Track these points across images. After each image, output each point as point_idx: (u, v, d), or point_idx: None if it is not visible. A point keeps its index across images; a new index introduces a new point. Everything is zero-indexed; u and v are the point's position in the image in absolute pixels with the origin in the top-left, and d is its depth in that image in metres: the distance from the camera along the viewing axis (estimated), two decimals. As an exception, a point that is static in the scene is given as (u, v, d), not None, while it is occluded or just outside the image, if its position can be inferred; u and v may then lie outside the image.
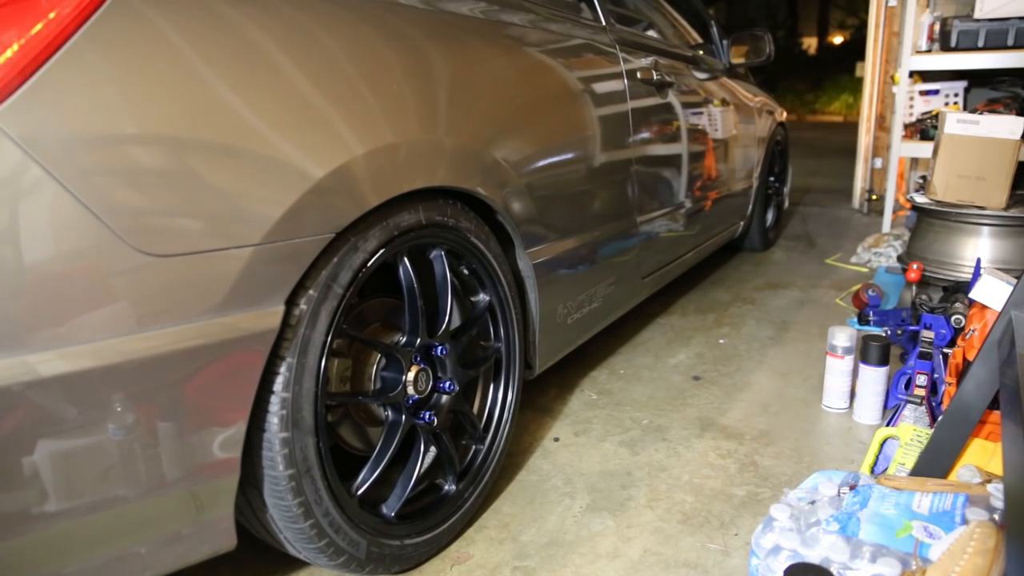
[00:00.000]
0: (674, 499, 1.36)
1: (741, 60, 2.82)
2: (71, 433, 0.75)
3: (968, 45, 3.12)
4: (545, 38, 1.54)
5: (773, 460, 1.50)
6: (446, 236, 1.20)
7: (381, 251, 1.06)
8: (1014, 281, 1.42)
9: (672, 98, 2.11)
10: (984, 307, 1.48)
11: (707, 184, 2.46)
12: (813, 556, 0.94)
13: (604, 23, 1.87)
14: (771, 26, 20.14)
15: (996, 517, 0.93)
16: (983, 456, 1.18)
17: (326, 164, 0.93)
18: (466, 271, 1.30)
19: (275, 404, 0.94)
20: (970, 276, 2.02)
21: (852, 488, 1.06)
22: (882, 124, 4.42)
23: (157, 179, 0.79)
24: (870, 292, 2.33)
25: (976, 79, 3.53)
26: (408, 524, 1.16)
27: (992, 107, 3.08)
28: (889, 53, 4.31)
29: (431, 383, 1.21)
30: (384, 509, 1.15)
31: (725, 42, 2.82)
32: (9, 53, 0.68)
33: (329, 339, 0.99)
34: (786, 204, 3.87)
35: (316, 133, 0.94)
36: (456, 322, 1.31)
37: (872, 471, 1.36)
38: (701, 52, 2.60)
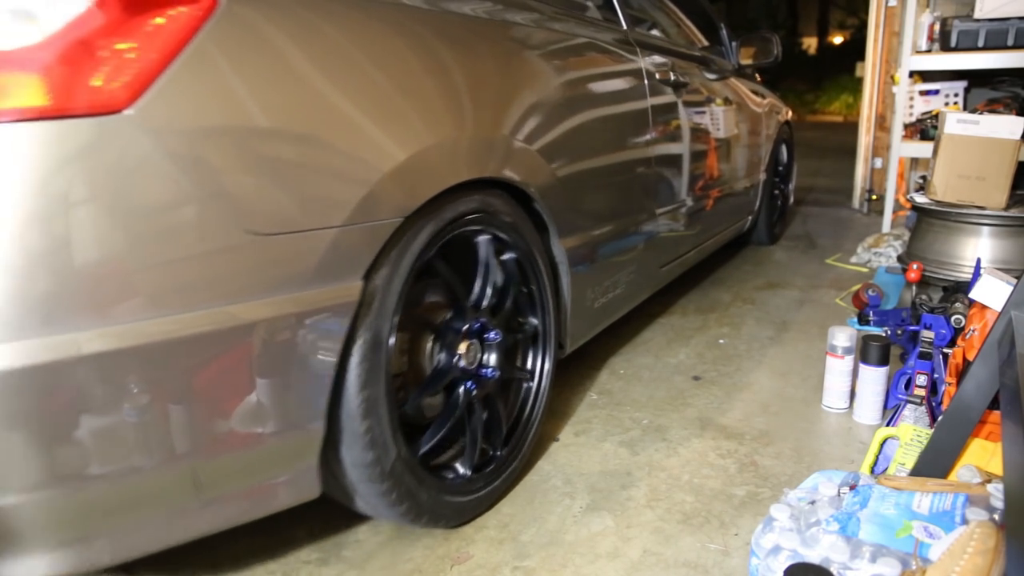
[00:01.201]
0: (674, 499, 1.36)
1: (749, 61, 2.91)
2: (206, 382, 0.89)
3: (968, 45, 3.12)
4: (577, 44, 1.67)
5: (773, 460, 1.50)
6: (492, 222, 1.32)
7: (439, 235, 1.18)
8: (1014, 281, 1.42)
9: (687, 98, 2.21)
10: (984, 307, 1.48)
11: (719, 179, 2.57)
12: (813, 556, 0.94)
13: (626, 27, 1.99)
14: (771, 26, 20.13)
15: (996, 517, 0.93)
16: (983, 456, 1.18)
17: (397, 156, 1.05)
18: (508, 256, 1.38)
19: (353, 368, 1.05)
20: (970, 276, 2.02)
21: (852, 488, 1.06)
22: (882, 124, 4.42)
23: (262, 166, 0.90)
24: (870, 292, 2.33)
25: (976, 79, 3.53)
26: (464, 483, 1.29)
27: (992, 107, 3.08)
28: (889, 53, 4.31)
29: (479, 356, 1.33)
30: (444, 470, 1.29)
31: (734, 44, 2.91)
32: (134, 55, 0.81)
33: (398, 311, 1.11)
34: (791, 200, 3.98)
35: (390, 129, 1.06)
36: (498, 303, 1.41)
37: (872, 471, 1.36)
38: (712, 54, 2.70)
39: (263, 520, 1.33)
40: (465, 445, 1.30)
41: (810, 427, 1.65)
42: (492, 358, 1.35)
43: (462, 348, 1.27)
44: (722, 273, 3.07)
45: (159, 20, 0.83)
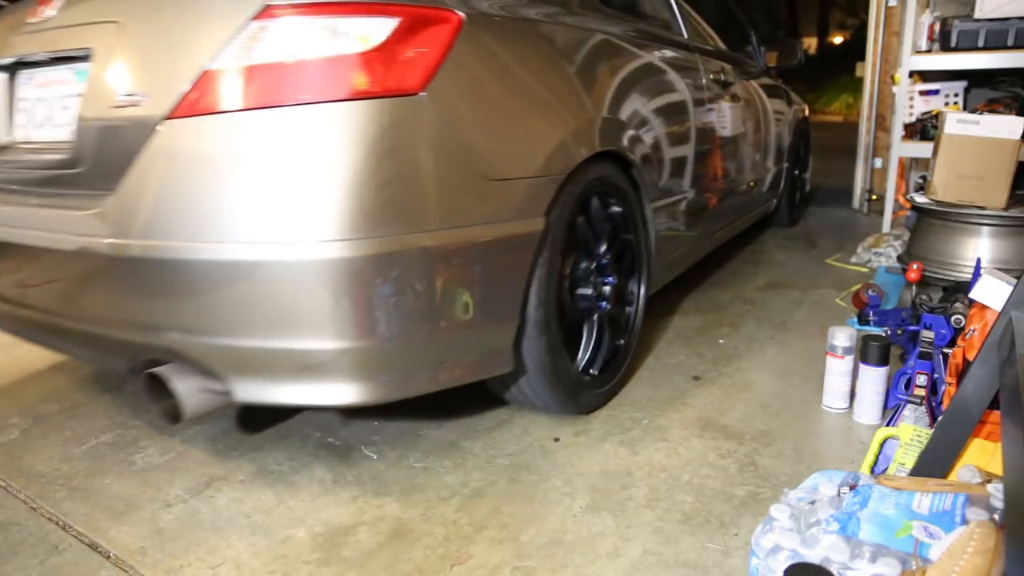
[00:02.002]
0: (674, 499, 1.36)
1: (774, 63, 3.54)
2: (456, 277, 1.29)
3: (968, 45, 3.12)
4: (658, 52, 2.11)
5: (773, 460, 1.50)
6: (611, 186, 1.73)
7: (583, 191, 1.59)
8: (1014, 281, 1.42)
9: (731, 94, 2.69)
10: (984, 307, 1.48)
11: (756, 163, 3.08)
12: (813, 556, 0.94)
13: (687, 37, 2.45)
14: (771, 26, 20.12)
15: (996, 517, 0.93)
16: (983, 456, 1.18)
17: (564, 131, 1.50)
18: (620, 211, 1.80)
19: (536, 282, 1.45)
20: (970, 276, 2.02)
21: (852, 488, 1.06)
22: (882, 124, 4.42)
23: (493, 131, 1.34)
24: (870, 292, 2.33)
25: (976, 79, 3.53)
26: (596, 380, 1.73)
27: (992, 107, 3.08)
28: (889, 53, 4.31)
29: (606, 284, 1.76)
30: (588, 370, 1.73)
31: (762, 48, 3.50)
32: (413, 54, 1.22)
33: (561, 244, 1.51)
34: (808, 187, 4.48)
35: (559, 113, 1.51)
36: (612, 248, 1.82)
37: (872, 471, 1.36)
38: (743, 57, 3.18)
39: (263, 520, 1.33)
40: (593, 352, 1.73)
41: (810, 427, 1.65)
42: (610, 289, 1.77)
43: (595, 281, 1.72)
44: (722, 273, 3.07)
45: (431, 32, 1.25)
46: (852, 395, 1.71)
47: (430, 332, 1.26)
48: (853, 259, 3.21)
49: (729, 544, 1.22)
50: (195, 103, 1.17)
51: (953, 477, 1.14)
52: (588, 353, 1.73)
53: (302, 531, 1.29)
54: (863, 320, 2.07)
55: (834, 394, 1.72)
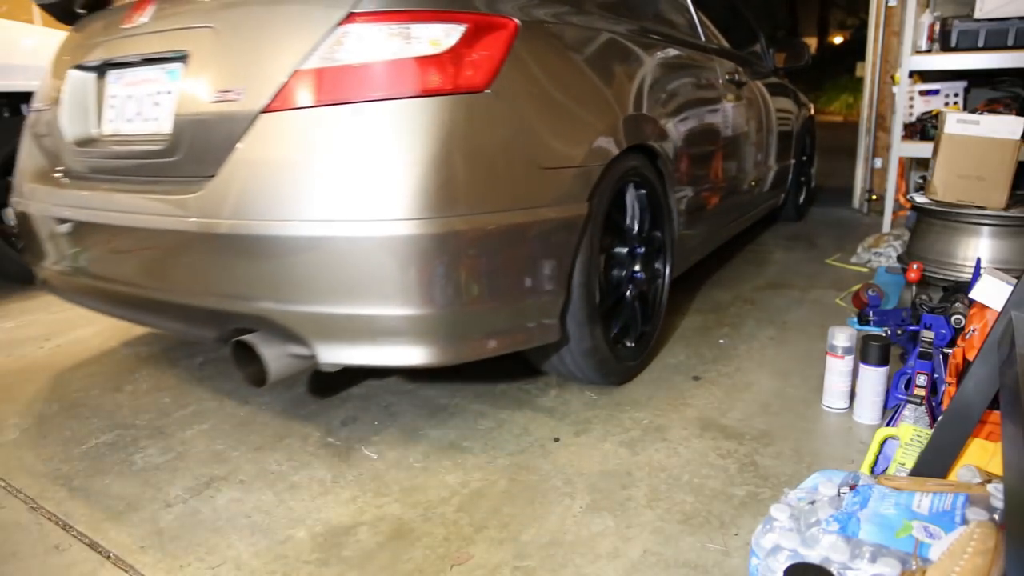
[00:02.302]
0: (674, 499, 1.36)
1: (782, 64, 3.72)
2: (513, 253, 1.44)
3: (968, 45, 3.12)
4: (681, 54, 2.27)
5: (773, 460, 1.50)
6: (642, 175, 1.90)
7: (619, 180, 1.76)
8: (1014, 281, 1.42)
9: (745, 93, 2.85)
10: (984, 307, 1.48)
11: (766, 159, 3.23)
12: (813, 556, 0.94)
13: (704, 40, 2.60)
14: (771, 26, 20.10)
15: (996, 517, 0.93)
16: (983, 456, 1.18)
17: (605, 125, 1.67)
18: (649, 200, 1.96)
19: (579, 261, 1.60)
20: (970, 276, 2.02)
21: (852, 488, 1.06)
22: (882, 124, 4.42)
23: (546, 125, 1.50)
24: (870, 292, 2.33)
25: (976, 79, 3.53)
26: (629, 351, 1.91)
27: (992, 107, 3.08)
28: (889, 53, 4.31)
29: (637, 266, 1.95)
30: (621, 342, 1.90)
31: (770, 49, 3.69)
32: (478, 54, 1.39)
33: (601, 227, 1.68)
34: (814, 183, 4.65)
35: (600, 109, 1.68)
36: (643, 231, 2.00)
37: (872, 471, 1.36)
38: (752, 58, 3.31)
39: (263, 520, 1.33)
40: (626, 326, 1.91)
41: (810, 427, 1.65)
42: (640, 270, 1.95)
43: (627, 262, 1.91)
44: (722, 273, 3.07)
45: (493, 37, 1.41)
46: (852, 395, 1.71)
47: (491, 303, 1.43)
48: (853, 259, 3.21)
49: (729, 544, 1.22)
50: (289, 98, 1.34)
51: (953, 477, 1.14)
52: (621, 327, 1.90)
53: (302, 531, 1.29)
54: (863, 320, 2.07)
55: (834, 394, 1.72)
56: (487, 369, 2.03)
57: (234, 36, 1.44)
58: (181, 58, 1.51)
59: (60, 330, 2.47)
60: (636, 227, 1.93)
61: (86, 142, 1.73)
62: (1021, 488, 0.74)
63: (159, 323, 1.72)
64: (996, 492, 0.99)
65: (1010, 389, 0.91)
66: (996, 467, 1.14)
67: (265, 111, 1.34)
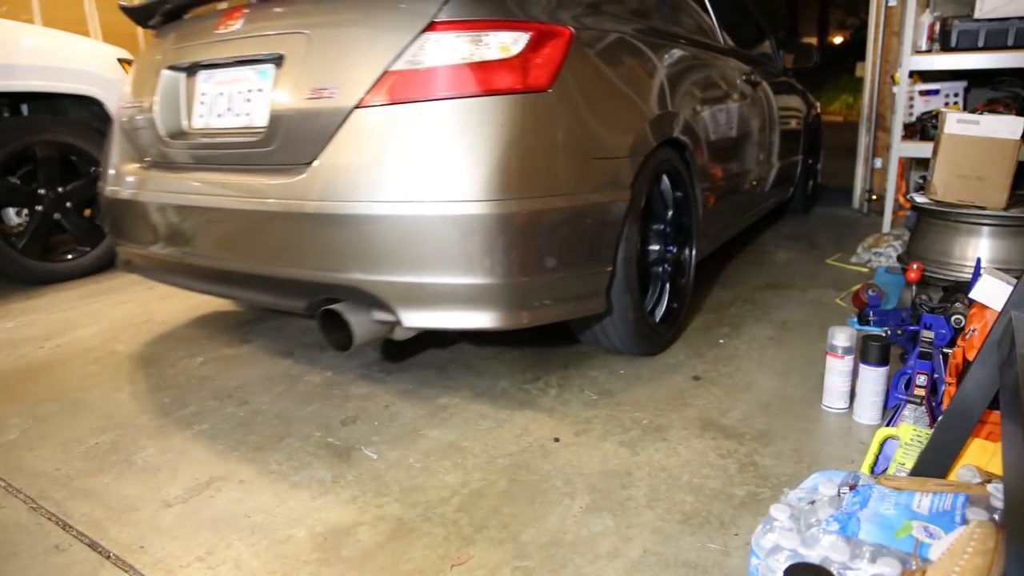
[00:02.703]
0: (674, 499, 1.36)
1: (791, 65, 3.96)
2: (570, 232, 1.64)
3: (968, 45, 3.11)
4: (705, 57, 2.48)
5: (773, 460, 1.50)
6: (673, 166, 2.09)
7: (655, 169, 1.95)
8: (1014, 281, 1.42)
9: (759, 93, 3.06)
10: (984, 307, 1.48)
11: (777, 154, 3.44)
12: (813, 556, 0.94)
13: (724, 43, 2.81)
14: (771, 25, 20.08)
15: (996, 517, 0.93)
16: (983, 456, 1.18)
17: (645, 121, 1.88)
18: (678, 189, 2.16)
19: (623, 242, 1.80)
20: (970, 276, 2.02)
21: (852, 488, 1.06)
22: (882, 124, 4.42)
23: (595, 121, 1.69)
24: (870, 292, 2.33)
25: (976, 79, 3.53)
26: (662, 326, 2.12)
27: (992, 107, 3.08)
28: (889, 53, 4.31)
29: (668, 248, 2.15)
30: (654, 315, 2.10)
31: (780, 51, 3.91)
32: (542, 59, 1.60)
33: (640, 213, 1.88)
34: (820, 178, 4.87)
35: (642, 107, 1.90)
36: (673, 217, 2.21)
37: (872, 471, 1.36)
38: (764, 59, 3.57)
39: (263, 520, 1.33)
40: (657, 302, 2.13)
41: (810, 427, 1.65)
42: (670, 251, 2.15)
43: (660, 244, 2.10)
44: (722, 273, 3.07)
45: (553, 43, 1.61)
46: (852, 395, 1.71)
47: (550, 275, 1.62)
48: (853, 259, 3.21)
49: (729, 544, 1.22)
50: (379, 96, 1.53)
51: (953, 477, 1.14)
52: (653, 303, 2.11)
53: (302, 531, 1.29)
54: (863, 320, 2.07)
55: (834, 394, 1.72)
56: (487, 369, 2.03)
57: (327, 41, 1.63)
58: (274, 60, 1.71)
59: (60, 330, 2.47)
60: (667, 213, 2.14)
61: (177, 134, 1.93)
62: (1021, 488, 0.74)
63: (248, 295, 1.91)
64: (996, 492, 0.99)
65: (1010, 389, 0.91)
66: (996, 467, 1.14)
67: (358, 107, 1.54)
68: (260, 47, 1.74)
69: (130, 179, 2.00)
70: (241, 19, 1.80)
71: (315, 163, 1.57)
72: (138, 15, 2.15)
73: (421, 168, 1.49)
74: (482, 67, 1.51)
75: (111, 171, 2.09)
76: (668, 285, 2.15)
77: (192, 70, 1.93)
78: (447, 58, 1.51)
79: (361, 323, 1.60)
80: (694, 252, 2.29)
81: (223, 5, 1.95)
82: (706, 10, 2.78)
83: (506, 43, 1.54)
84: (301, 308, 1.75)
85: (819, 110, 4.65)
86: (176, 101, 1.96)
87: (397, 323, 1.59)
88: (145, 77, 2.02)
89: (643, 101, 1.91)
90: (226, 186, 1.73)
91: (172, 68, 1.95)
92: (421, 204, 1.48)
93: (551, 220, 1.58)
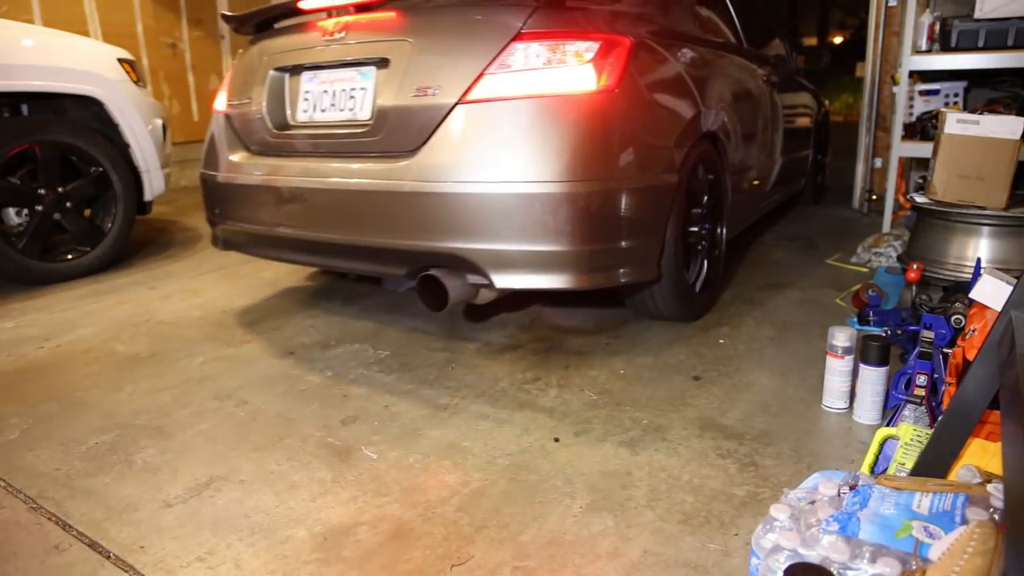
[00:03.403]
0: (674, 499, 1.36)
1: (803, 66, 4.26)
2: (635, 208, 1.92)
3: (968, 45, 3.11)
4: (733, 60, 2.81)
5: (773, 460, 1.50)
6: (709, 156, 2.38)
7: (695, 158, 2.23)
8: (1014, 281, 1.42)
9: (777, 92, 3.35)
10: (984, 307, 1.48)
11: (793, 147, 3.75)
12: (813, 556, 0.94)
13: (745, 48, 3.09)
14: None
15: (996, 517, 0.93)
16: (983, 456, 1.18)
17: (688, 116, 2.17)
18: (714, 177, 2.45)
19: (671, 218, 2.09)
20: (970, 276, 2.02)
21: (852, 488, 1.06)
22: (882, 124, 4.42)
23: (652, 116, 2.00)
24: (870, 292, 2.33)
25: (976, 79, 3.52)
26: (700, 294, 2.42)
27: (992, 107, 3.07)
28: (889, 53, 4.31)
29: (705, 226, 2.41)
30: (695, 286, 2.40)
31: (793, 53, 4.14)
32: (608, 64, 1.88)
33: (684, 194, 2.16)
34: (827, 172, 5.12)
35: (688, 103, 2.19)
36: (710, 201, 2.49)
37: (872, 471, 1.36)
38: (781, 61, 3.85)
39: (263, 520, 1.33)
40: (696, 274, 2.41)
41: (810, 427, 1.65)
42: (707, 230, 2.42)
43: (699, 223, 2.36)
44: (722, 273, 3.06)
45: (617, 51, 1.88)
46: (852, 395, 1.71)
47: (619, 243, 1.90)
48: (853, 259, 3.21)
49: (729, 544, 1.22)
50: (477, 94, 1.82)
51: (953, 477, 1.14)
52: (694, 276, 2.39)
53: (302, 531, 1.29)
54: (863, 320, 2.07)
55: (834, 394, 1.72)
56: (487, 369, 2.03)
57: (430, 48, 1.91)
58: (377, 63, 1.99)
59: (60, 330, 2.47)
60: (704, 197, 2.39)
61: (282, 127, 2.23)
62: (1021, 488, 0.74)
63: (350, 264, 2.21)
64: (996, 492, 0.99)
65: (1010, 389, 0.91)
66: (996, 467, 1.14)
67: (459, 103, 1.83)
68: (366, 52, 2.02)
69: (239, 166, 2.29)
70: (347, 29, 2.09)
71: (421, 150, 1.87)
72: (235, 23, 2.47)
73: (512, 154, 1.79)
74: (561, 70, 1.81)
75: (219, 159, 2.37)
76: (705, 259, 2.43)
77: (296, 71, 2.22)
78: (532, 63, 1.81)
79: (455, 287, 1.87)
80: (724, 232, 2.57)
81: (321, 16, 2.22)
82: (731, 19, 3.05)
83: (580, 50, 1.83)
84: (401, 274, 2.02)
85: (827, 106, 5.00)
86: (282, 98, 2.24)
87: (489, 285, 1.87)
88: (251, 78, 2.31)
89: (687, 100, 2.20)
90: (334, 170, 2.03)
91: (278, 69, 2.24)
92: (513, 184, 1.77)
93: (617, 199, 1.87)
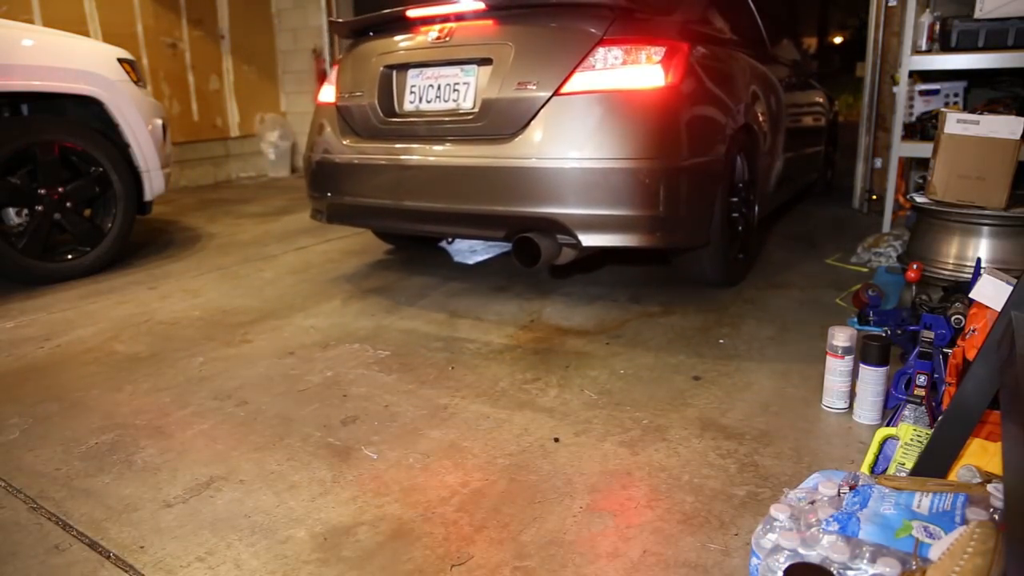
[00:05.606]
0: (674, 499, 1.36)
1: (816, 69, 4.74)
2: (694, 183, 2.36)
3: (968, 45, 3.11)
4: (762, 63, 3.17)
5: (773, 460, 1.50)
6: (745, 144, 2.77)
7: (736, 145, 2.62)
8: (1014, 281, 1.42)
9: (793, 92, 3.73)
10: (984, 307, 1.48)
11: (809, 142, 4.17)
12: (813, 556, 0.94)
13: (770, 51, 3.48)
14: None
15: (996, 517, 0.93)
16: (983, 456, 1.18)
17: (733, 109, 2.61)
18: (749, 163, 2.83)
19: (719, 194, 2.47)
20: (970, 276, 2.02)
21: (852, 488, 1.06)
22: (882, 124, 4.42)
23: (702, 110, 2.43)
24: (870, 292, 2.33)
25: (976, 79, 3.52)
26: (738, 262, 2.83)
27: (992, 107, 3.07)
28: (889, 53, 4.31)
29: (743, 203, 2.79)
30: (734, 255, 2.80)
31: (809, 57, 4.72)
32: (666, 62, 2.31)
33: (728, 175, 2.56)
34: (836, 166, 5.50)
35: (731, 98, 2.62)
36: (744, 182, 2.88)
37: (872, 471, 1.36)
38: (797, 64, 4.23)
39: (263, 520, 1.34)
40: (735, 244, 2.78)
41: (810, 427, 1.65)
42: (744, 207, 2.80)
43: (738, 200, 2.73)
44: (722, 273, 3.06)
45: (679, 54, 2.30)
46: (852, 395, 1.71)
47: (680, 211, 2.29)
48: (853, 259, 3.20)
49: (729, 544, 1.22)
50: (568, 87, 2.25)
51: (953, 477, 1.14)
52: (734, 245, 2.75)
53: (302, 531, 1.29)
54: (863, 320, 2.07)
55: (834, 394, 1.72)
56: (487, 369, 2.03)
57: (528, 50, 2.34)
58: (479, 61, 2.41)
59: (60, 330, 2.47)
60: (741, 179, 2.76)
61: (391, 115, 2.63)
62: (1021, 488, 0.74)
63: (452, 229, 2.73)
64: (996, 492, 0.99)
65: (1010, 389, 0.91)
66: (996, 467, 1.14)
67: (554, 95, 2.26)
68: (472, 53, 2.43)
69: (349, 148, 2.69)
70: (451, 34, 2.49)
71: (522, 133, 2.29)
72: (339, 28, 2.98)
73: (598, 136, 2.22)
74: (636, 69, 2.23)
75: (330, 143, 2.77)
76: (742, 230, 2.82)
77: (403, 68, 2.62)
78: (612, 63, 2.24)
79: (547, 246, 2.30)
80: (756, 210, 3.00)
81: (427, 22, 2.61)
82: (759, 28, 3.48)
83: (651, 54, 2.24)
84: (500, 236, 2.43)
85: (836, 106, 5.43)
86: (390, 91, 2.64)
87: (576, 244, 2.28)
88: (362, 75, 2.71)
89: (729, 95, 2.60)
90: (439, 152, 2.45)
91: (387, 67, 2.64)
92: (599, 160, 2.20)
93: (679, 174, 2.25)
